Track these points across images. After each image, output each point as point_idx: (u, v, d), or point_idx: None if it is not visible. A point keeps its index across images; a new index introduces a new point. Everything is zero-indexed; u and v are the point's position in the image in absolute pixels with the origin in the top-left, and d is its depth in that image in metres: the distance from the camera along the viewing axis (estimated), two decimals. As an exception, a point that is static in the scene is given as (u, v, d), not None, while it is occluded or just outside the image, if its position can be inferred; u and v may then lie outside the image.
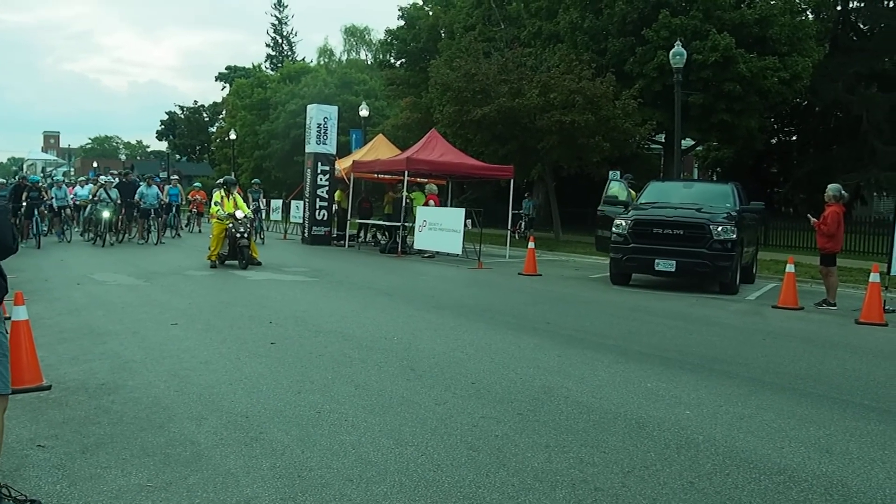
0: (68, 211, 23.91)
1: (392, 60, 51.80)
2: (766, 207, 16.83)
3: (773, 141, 39.14)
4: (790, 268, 12.52)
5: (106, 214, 20.87)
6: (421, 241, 20.03)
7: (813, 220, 12.67)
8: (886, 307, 11.40)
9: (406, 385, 6.18)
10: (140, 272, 14.50)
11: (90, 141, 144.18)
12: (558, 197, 30.72)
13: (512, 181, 22.89)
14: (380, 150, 25.30)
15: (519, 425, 5.18)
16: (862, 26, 37.12)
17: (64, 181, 26.29)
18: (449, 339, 8.36)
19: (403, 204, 20.95)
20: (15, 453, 4.42)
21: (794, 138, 40.62)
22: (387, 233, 23.58)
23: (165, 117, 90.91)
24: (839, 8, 35.28)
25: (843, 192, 12.72)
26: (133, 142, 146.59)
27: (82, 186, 26.69)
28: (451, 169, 22.61)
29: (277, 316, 9.52)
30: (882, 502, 4.02)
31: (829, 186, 12.70)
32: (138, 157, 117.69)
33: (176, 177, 28.79)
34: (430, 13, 47.02)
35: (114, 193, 21.65)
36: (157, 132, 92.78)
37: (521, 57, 28.43)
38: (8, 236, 3.57)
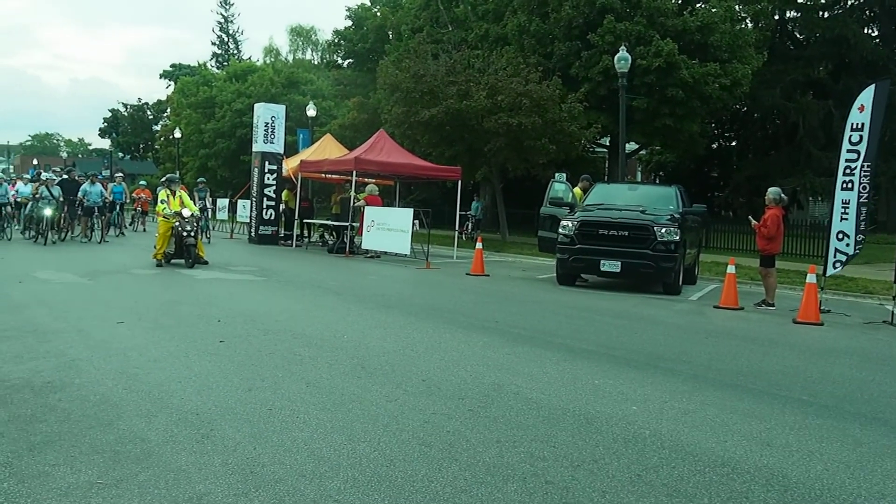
0: (9, 209, 23.25)
1: (339, 61, 51.64)
2: (708, 210, 17.16)
3: (714, 146, 40.03)
4: (731, 269, 12.79)
5: (48, 212, 20.41)
6: (369, 241, 19.99)
7: (754, 222, 12.99)
8: (822, 307, 11.74)
9: (357, 382, 6.19)
10: (84, 271, 14.20)
11: (30, 138, 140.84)
12: (505, 198, 30.93)
13: (459, 182, 22.98)
14: (328, 149, 25.20)
15: (470, 421, 5.23)
16: (798, 35, 38.24)
17: (4, 178, 25.45)
18: (399, 337, 8.39)
19: (352, 204, 20.91)
20: (-41, 452, 4.32)
21: (734, 143, 41.60)
22: (334, 233, 23.52)
23: (108, 115, 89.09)
24: (777, 17, 36.29)
25: (782, 195, 13.08)
26: (75, 139, 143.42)
27: (25, 184, 26.02)
28: (399, 170, 22.64)
29: (226, 314, 9.44)
30: (819, 493, 4.17)
31: (770, 190, 13.03)
32: (80, 155, 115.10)
33: (120, 175, 28.16)
34: (378, 14, 46.98)
35: (56, 191, 21.18)
36: (100, 130, 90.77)
37: (468, 59, 28.58)
38: None
